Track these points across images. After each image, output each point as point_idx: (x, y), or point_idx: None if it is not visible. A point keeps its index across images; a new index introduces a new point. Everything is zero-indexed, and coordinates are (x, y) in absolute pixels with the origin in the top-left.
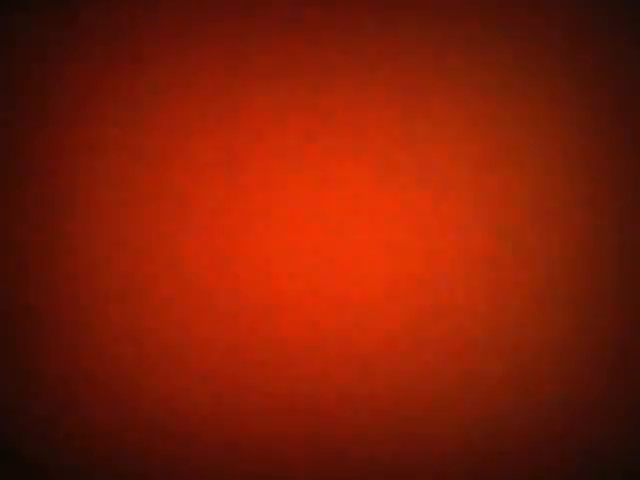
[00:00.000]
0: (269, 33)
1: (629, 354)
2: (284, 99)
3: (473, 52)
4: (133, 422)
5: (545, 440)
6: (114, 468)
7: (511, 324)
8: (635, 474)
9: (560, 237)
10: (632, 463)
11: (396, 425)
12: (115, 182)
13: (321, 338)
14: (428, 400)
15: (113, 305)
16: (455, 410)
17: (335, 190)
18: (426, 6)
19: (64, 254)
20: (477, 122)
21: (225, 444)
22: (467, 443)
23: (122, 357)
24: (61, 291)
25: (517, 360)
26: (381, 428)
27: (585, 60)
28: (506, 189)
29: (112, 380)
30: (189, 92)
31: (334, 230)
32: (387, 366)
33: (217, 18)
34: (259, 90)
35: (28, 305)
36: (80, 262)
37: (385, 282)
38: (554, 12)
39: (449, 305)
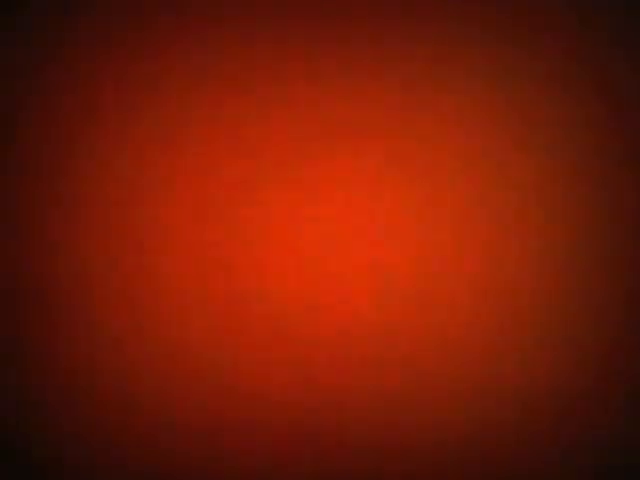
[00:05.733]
0: (269, 34)
1: (632, 353)
2: (285, 96)
3: (473, 52)
4: (133, 420)
5: (550, 450)
6: (114, 467)
7: (511, 324)
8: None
9: (563, 234)
10: (631, 464)
11: (396, 425)
12: (116, 181)
13: (325, 338)
14: (427, 399)
15: (115, 305)
16: (453, 411)
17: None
18: (427, 3)
19: (63, 251)
20: (480, 118)
21: (226, 442)
22: (468, 448)
23: (123, 358)
24: (60, 290)
25: (517, 359)
26: (381, 428)
27: (589, 59)
28: (508, 186)
29: (112, 379)
30: (191, 93)
31: (350, 231)
32: (387, 365)
33: (217, 20)
34: (261, 90)
35: (27, 304)
36: (79, 261)
37: (385, 279)
38: (557, 12)
39: (449, 304)
